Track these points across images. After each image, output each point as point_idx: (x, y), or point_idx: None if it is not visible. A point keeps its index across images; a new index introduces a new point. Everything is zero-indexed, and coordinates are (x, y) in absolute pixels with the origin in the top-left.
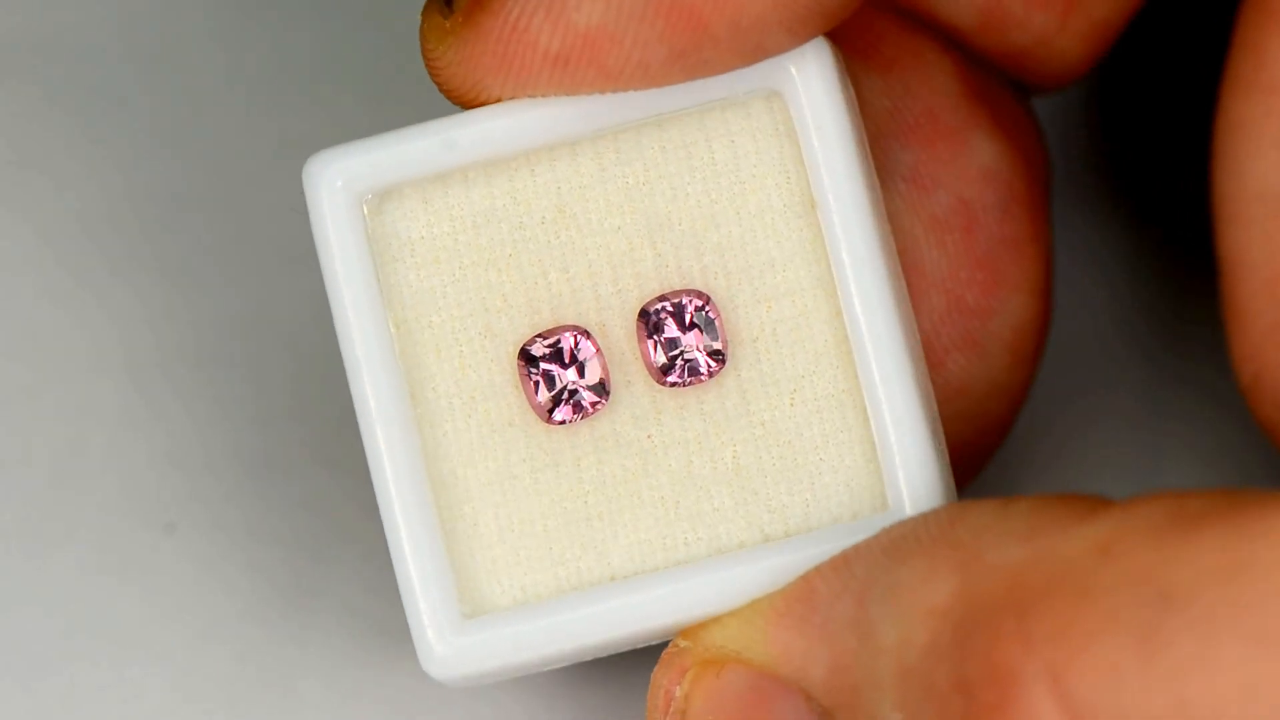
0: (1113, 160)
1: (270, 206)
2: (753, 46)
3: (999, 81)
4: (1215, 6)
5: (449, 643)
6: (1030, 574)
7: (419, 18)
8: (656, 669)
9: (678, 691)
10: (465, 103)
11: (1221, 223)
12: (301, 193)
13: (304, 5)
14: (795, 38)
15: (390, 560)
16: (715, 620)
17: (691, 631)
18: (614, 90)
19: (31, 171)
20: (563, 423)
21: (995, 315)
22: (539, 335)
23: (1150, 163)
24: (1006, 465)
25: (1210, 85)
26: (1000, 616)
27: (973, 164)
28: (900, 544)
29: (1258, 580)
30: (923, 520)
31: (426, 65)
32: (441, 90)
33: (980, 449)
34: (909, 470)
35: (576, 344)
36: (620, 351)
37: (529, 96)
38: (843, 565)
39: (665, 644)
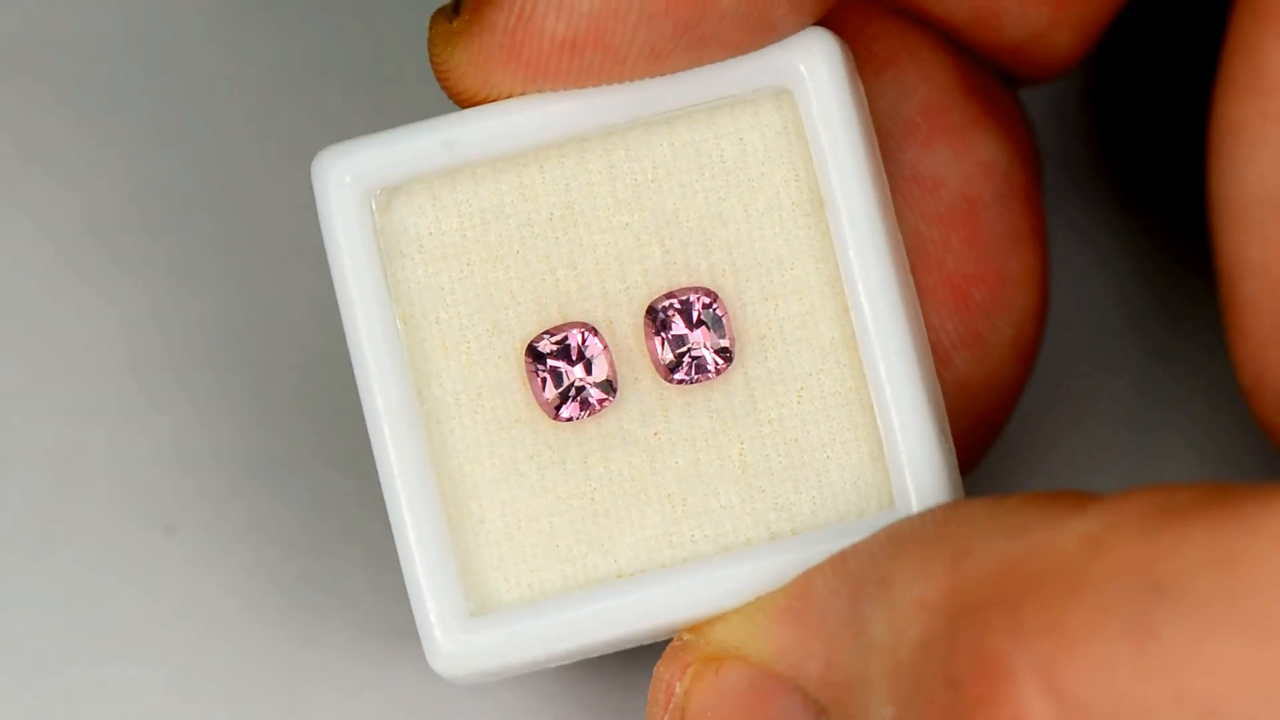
0: (1111, 154)
1: (273, 204)
2: (757, 19)
3: (991, 75)
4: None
5: (456, 640)
6: (1021, 568)
7: (426, 20)
8: (660, 663)
9: (678, 687)
10: (475, 105)
11: (1219, 225)
12: (308, 189)
13: (309, 3)
14: (800, 12)
15: (393, 559)
16: (720, 616)
17: (697, 627)
18: (622, 79)
19: (36, 168)
20: (570, 420)
21: (1000, 311)
22: (546, 332)
23: (1148, 156)
24: (1004, 460)
25: (1208, 75)
26: (990, 610)
27: (973, 159)
28: (894, 540)
29: (1249, 571)
30: (919, 518)
31: (436, 74)
32: (451, 96)
33: (977, 443)
34: (915, 468)
35: (584, 341)
36: (627, 349)
37: (539, 91)
38: (840, 562)
39: (670, 639)
